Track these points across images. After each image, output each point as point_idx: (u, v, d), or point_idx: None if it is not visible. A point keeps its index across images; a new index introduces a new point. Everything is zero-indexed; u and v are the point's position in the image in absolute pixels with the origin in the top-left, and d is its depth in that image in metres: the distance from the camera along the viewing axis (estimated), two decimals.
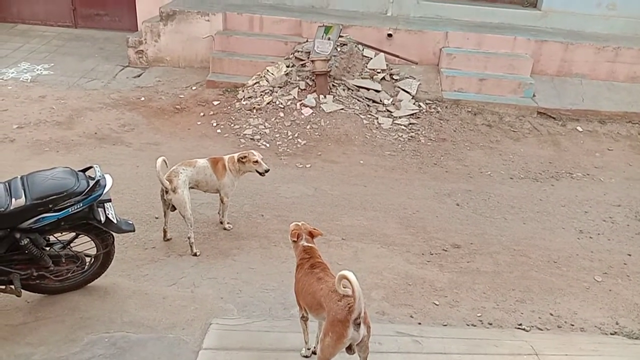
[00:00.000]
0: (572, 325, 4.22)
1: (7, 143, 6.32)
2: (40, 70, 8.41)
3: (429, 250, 5.05)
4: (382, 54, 8.39)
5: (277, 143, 6.90)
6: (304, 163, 6.52)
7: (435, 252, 5.02)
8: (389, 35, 8.55)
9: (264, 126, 7.19)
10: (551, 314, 4.31)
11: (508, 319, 4.22)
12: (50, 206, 3.49)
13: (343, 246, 4.99)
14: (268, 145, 6.84)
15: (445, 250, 5.06)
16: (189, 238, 4.62)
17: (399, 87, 8.13)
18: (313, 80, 7.73)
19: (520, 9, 9.34)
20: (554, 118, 7.96)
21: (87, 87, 8.00)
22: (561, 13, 9.06)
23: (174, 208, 4.66)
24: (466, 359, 3.59)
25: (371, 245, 5.04)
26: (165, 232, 4.81)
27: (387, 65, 8.32)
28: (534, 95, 8.20)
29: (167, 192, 4.55)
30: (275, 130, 7.12)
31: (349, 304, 2.88)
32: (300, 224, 3.58)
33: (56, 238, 3.84)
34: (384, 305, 4.26)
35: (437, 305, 4.32)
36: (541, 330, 4.14)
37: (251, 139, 6.94)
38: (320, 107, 7.48)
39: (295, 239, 3.50)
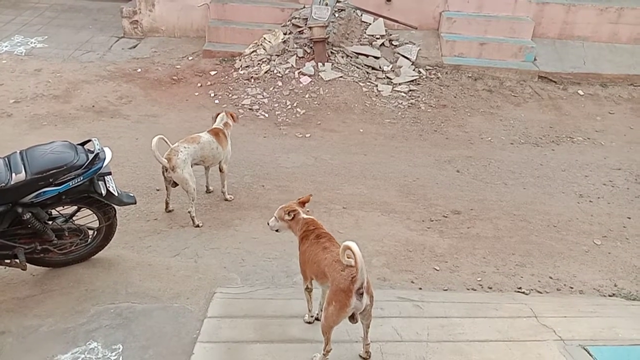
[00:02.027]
0: (571, 288, 4.28)
1: (4, 118, 6.29)
2: (35, 43, 8.29)
3: (429, 216, 5.08)
4: (381, 19, 8.25)
5: (276, 113, 6.85)
6: (304, 132, 6.49)
7: (436, 218, 5.05)
8: (388, 0, 8.38)
9: (262, 96, 7.13)
10: (550, 277, 4.36)
11: (508, 283, 4.28)
12: (51, 180, 3.49)
13: (344, 215, 5.01)
14: (267, 115, 6.80)
15: (446, 217, 5.09)
16: (189, 212, 4.65)
17: (398, 53, 8.02)
18: (311, 47, 7.62)
19: None
20: (555, 82, 7.88)
21: (82, 59, 7.90)
22: None
23: (175, 184, 4.67)
24: (466, 322, 3.65)
25: (372, 213, 5.06)
26: (167, 203, 4.83)
27: (386, 30, 8.19)
28: (535, 59, 8.09)
29: (166, 170, 4.55)
30: (274, 99, 7.07)
31: (352, 274, 2.92)
32: (286, 205, 3.53)
33: (58, 212, 3.86)
34: (385, 271, 4.31)
35: (437, 270, 4.37)
36: (540, 293, 4.20)
37: (250, 109, 6.89)
38: (318, 75, 7.39)
39: (291, 217, 3.47)
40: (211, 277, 4.03)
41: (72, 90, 7.05)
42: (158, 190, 5.12)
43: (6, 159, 3.56)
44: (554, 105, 7.48)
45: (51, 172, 3.48)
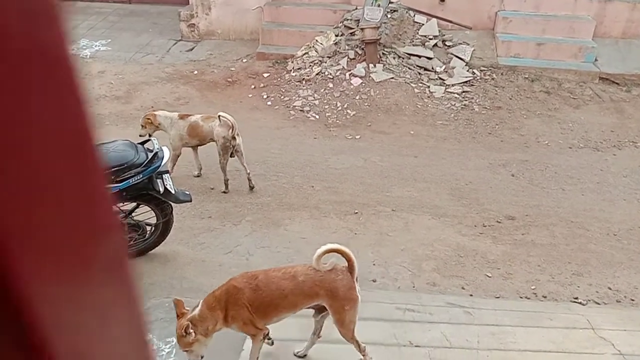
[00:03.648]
0: (632, 300, 4.09)
1: None
2: (99, 46, 8.71)
3: (481, 222, 4.97)
4: (434, 19, 8.14)
5: (327, 114, 6.90)
6: (354, 134, 6.51)
7: (489, 223, 4.94)
8: (441, 0, 8.26)
9: (313, 97, 7.19)
10: (609, 288, 4.18)
11: (564, 292, 4.13)
12: (112, 177, 3.67)
13: (393, 217, 4.99)
14: (317, 116, 6.86)
15: (499, 222, 4.97)
16: (248, 173, 5.19)
17: (452, 54, 7.89)
18: (362, 49, 7.62)
19: None
20: (617, 83, 7.53)
21: (142, 61, 8.23)
22: None
23: (232, 155, 5.07)
24: (519, 331, 3.56)
25: (422, 217, 5.01)
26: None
27: (439, 31, 8.07)
28: (595, 60, 7.76)
29: (234, 138, 4.97)
30: (325, 101, 7.12)
31: (344, 271, 2.93)
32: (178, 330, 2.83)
33: (119, 208, 4.05)
34: (435, 276, 4.26)
35: (489, 277, 4.27)
36: (598, 304, 4.03)
37: (300, 110, 6.97)
38: (369, 76, 7.38)
39: (192, 330, 2.77)
40: None
41: (132, 91, 7.37)
42: (212, 189, 5.27)
43: None
44: (616, 108, 7.14)
45: (113, 169, 3.66)
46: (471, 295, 4.05)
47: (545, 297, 4.09)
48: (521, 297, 4.07)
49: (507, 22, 8.05)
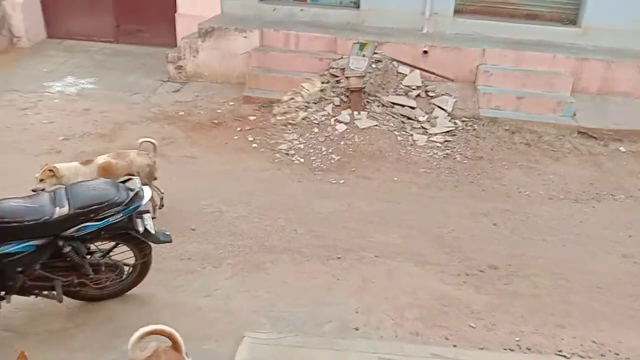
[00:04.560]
0: (617, 354, 4.05)
1: (53, 154, 6.54)
2: (85, 84, 8.71)
3: (464, 270, 4.95)
4: (417, 70, 8.36)
5: (312, 158, 6.92)
6: (338, 179, 6.52)
7: (472, 272, 4.92)
8: (425, 52, 8.52)
9: (299, 141, 7.24)
10: (594, 342, 4.14)
11: (547, 345, 4.08)
12: (92, 215, 3.60)
13: (376, 264, 4.94)
14: (302, 160, 6.88)
15: (482, 271, 4.95)
16: (162, 193, 5.38)
17: (434, 104, 8.07)
18: (347, 96, 7.76)
19: (560, 27, 9.16)
20: (595, 138, 7.75)
21: (129, 100, 8.24)
22: (602, 30, 8.82)
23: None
24: None
25: (405, 264, 4.97)
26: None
27: (422, 82, 8.28)
28: (574, 114, 8.01)
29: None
30: (310, 145, 7.16)
31: (174, 348, 2.71)
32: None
33: (96, 247, 3.94)
34: (418, 325, 4.18)
35: (473, 327, 4.21)
36: (583, 357, 3.98)
37: (286, 153, 6.99)
38: (354, 123, 7.48)
39: None
40: (241, 321, 4.00)
41: (117, 129, 7.33)
42: (193, 229, 5.18)
43: (52, 193, 3.70)
44: (595, 162, 7.32)
45: (93, 207, 3.60)
46: (455, 345, 3.98)
47: (529, 349, 4.03)
48: (505, 349, 4.01)
49: (488, 76, 8.31)
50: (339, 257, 4.98)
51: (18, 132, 7.08)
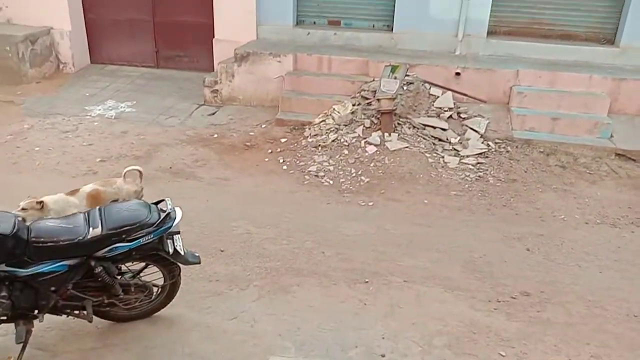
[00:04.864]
0: None
1: (90, 175, 6.80)
2: (124, 107, 9.05)
3: (495, 297, 4.83)
4: (449, 92, 8.33)
5: (341, 180, 6.95)
6: (367, 201, 6.51)
7: (503, 299, 4.79)
8: (457, 73, 8.49)
9: (329, 163, 7.28)
10: None
11: None
12: (124, 236, 3.69)
13: (404, 288, 4.88)
14: (331, 182, 6.91)
15: (514, 298, 4.81)
16: None
17: (466, 126, 8.00)
18: (378, 118, 7.78)
19: (597, 46, 8.99)
20: (634, 160, 7.49)
21: (165, 123, 8.50)
22: None
23: None
24: None
25: (434, 289, 4.89)
26: None
27: (454, 103, 8.23)
28: (611, 136, 7.78)
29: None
30: (339, 167, 7.19)
31: None
32: None
33: (127, 267, 4.04)
34: (447, 353, 4.09)
35: (503, 356, 4.09)
36: None
37: (315, 175, 7.04)
38: (384, 144, 7.49)
39: None
40: (266, 344, 4.01)
41: (152, 152, 7.56)
42: (222, 251, 5.26)
43: (86, 214, 3.82)
44: (633, 185, 7.06)
45: (125, 228, 3.69)
46: None
47: None
48: None
49: (522, 97, 8.19)
50: (367, 281, 4.95)
51: (59, 154, 7.40)
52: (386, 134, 7.61)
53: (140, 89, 9.90)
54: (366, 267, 5.17)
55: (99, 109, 8.96)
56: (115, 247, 3.70)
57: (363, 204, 6.45)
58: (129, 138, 7.94)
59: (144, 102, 9.29)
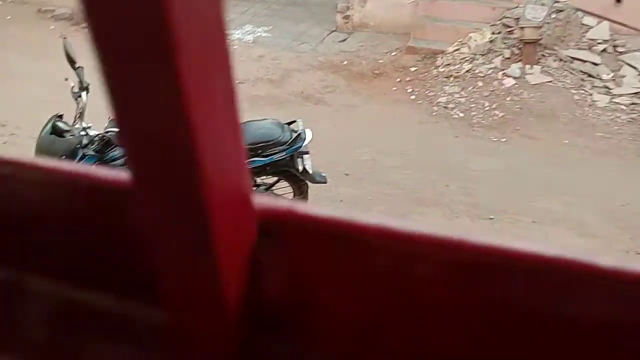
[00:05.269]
0: None
1: None
2: (261, 32, 9.35)
3: (635, 248, 4.45)
4: (606, 22, 7.38)
5: (472, 113, 6.65)
6: (499, 137, 6.20)
7: None
8: (618, 0, 7.45)
9: (460, 95, 6.98)
10: None
11: None
12: (259, 152, 3.98)
13: (532, 229, 4.68)
14: (462, 114, 6.65)
15: None
16: None
17: (623, 61, 7.10)
18: (520, 48, 7.20)
19: None
20: None
21: (297, 49, 8.67)
22: None
23: None
24: None
25: (566, 233, 4.64)
26: None
27: (610, 35, 7.30)
28: None
29: None
30: (471, 100, 6.87)
31: None
32: None
33: (262, 180, 4.36)
34: None
35: None
36: None
37: (445, 107, 6.82)
38: (524, 77, 6.96)
39: None
40: None
41: (286, 76, 7.81)
42: (347, 174, 5.41)
43: None
44: None
45: (261, 144, 3.97)
46: None
47: None
48: None
49: None
50: (492, 218, 4.83)
51: None
52: (527, 66, 7.04)
53: (276, 14, 10.10)
54: (491, 204, 5.02)
55: (238, 34, 9.35)
56: (252, 161, 4.00)
57: (495, 139, 6.16)
58: (265, 62, 8.25)
59: (279, 27, 9.50)
